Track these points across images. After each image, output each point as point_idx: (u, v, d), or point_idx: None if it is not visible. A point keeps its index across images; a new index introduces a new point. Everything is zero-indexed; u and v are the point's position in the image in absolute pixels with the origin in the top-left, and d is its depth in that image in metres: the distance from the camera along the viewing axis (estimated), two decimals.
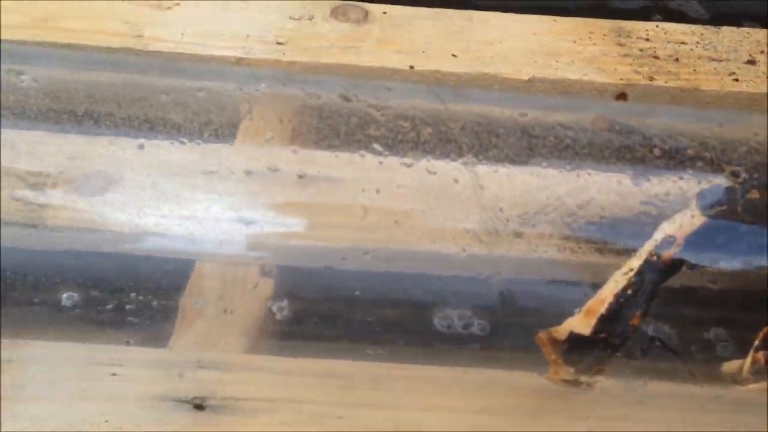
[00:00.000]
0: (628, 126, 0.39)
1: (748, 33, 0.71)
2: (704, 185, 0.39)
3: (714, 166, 0.39)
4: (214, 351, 0.45)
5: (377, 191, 0.35)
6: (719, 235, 0.40)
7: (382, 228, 0.37)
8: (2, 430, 0.41)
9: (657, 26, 0.72)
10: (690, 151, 0.39)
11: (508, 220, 0.35)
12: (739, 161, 0.39)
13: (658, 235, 0.39)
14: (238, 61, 0.67)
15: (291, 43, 0.69)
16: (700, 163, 0.39)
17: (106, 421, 0.42)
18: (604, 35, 0.71)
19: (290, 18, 0.71)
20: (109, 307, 0.46)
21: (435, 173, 0.34)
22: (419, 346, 0.40)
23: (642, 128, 0.39)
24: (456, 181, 0.34)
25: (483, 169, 0.35)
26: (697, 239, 0.39)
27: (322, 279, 0.42)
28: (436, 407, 0.42)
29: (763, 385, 0.39)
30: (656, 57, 0.68)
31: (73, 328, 0.45)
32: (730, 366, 0.41)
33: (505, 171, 0.36)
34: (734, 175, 0.38)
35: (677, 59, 0.68)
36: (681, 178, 0.38)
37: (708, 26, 0.72)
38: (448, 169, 0.35)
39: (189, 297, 0.48)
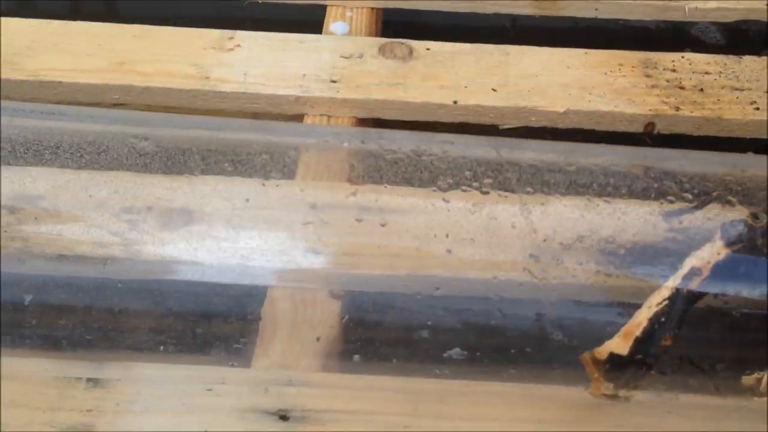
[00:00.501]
0: (661, 172, 0.44)
1: None
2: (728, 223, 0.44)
3: (737, 207, 0.44)
4: (293, 369, 0.51)
5: (446, 236, 0.41)
6: (741, 267, 0.45)
7: (448, 262, 0.43)
8: None
9: (683, 57, 0.77)
10: (715, 194, 0.44)
11: (557, 258, 0.41)
12: (759, 203, 0.44)
13: (686, 268, 0.45)
14: (297, 99, 0.74)
15: (344, 81, 0.75)
16: (725, 205, 0.44)
17: (205, 430, 0.49)
18: (633, 67, 0.76)
19: (341, 56, 0.77)
20: (199, 331, 0.53)
21: (496, 219, 0.40)
22: (479, 364, 0.46)
23: (674, 173, 0.45)
24: (513, 226, 0.40)
25: (536, 214, 0.41)
26: (721, 271, 0.45)
27: (390, 304, 0.48)
28: (493, 418, 0.47)
29: None
30: (682, 87, 0.73)
31: (171, 350, 0.52)
32: (747, 380, 0.47)
33: (555, 215, 0.42)
34: (755, 217, 0.43)
35: (702, 89, 0.73)
36: (708, 219, 0.44)
37: (731, 56, 0.77)
38: (506, 215, 0.41)
39: (266, 322, 0.54)
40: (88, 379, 0.51)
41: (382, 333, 0.48)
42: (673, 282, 0.45)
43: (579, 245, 0.42)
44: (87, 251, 0.53)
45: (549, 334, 0.43)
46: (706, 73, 0.75)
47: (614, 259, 0.43)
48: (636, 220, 0.43)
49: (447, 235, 0.40)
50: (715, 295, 0.44)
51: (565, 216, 0.42)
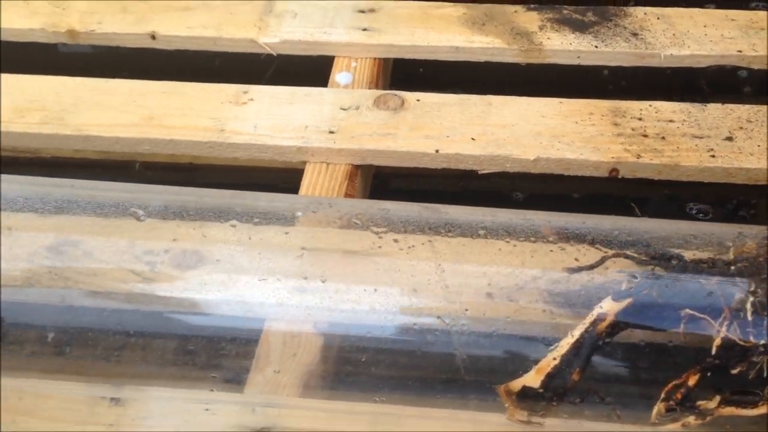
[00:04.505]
0: (567, 232, 0.53)
1: (731, 109, 0.82)
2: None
3: (634, 263, 0.53)
4: (277, 394, 0.62)
5: (375, 291, 0.51)
6: (646, 311, 0.53)
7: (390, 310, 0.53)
8: None
9: (650, 105, 0.83)
10: (612, 253, 0.52)
11: (467, 310, 0.50)
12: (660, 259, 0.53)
13: (595, 312, 0.53)
14: (299, 149, 0.83)
15: (341, 132, 0.84)
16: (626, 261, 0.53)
17: None
18: (603, 115, 0.83)
19: (341, 108, 0.87)
20: (202, 358, 0.64)
21: (415, 276, 0.50)
22: (417, 394, 0.55)
23: (582, 234, 0.53)
24: (429, 282, 0.50)
25: (448, 272, 0.51)
26: (625, 316, 0.53)
27: (356, 341, 0.58)
28: None
29: (676, 425, 0.53)
30: (645, 135, 0.80)
31: (179, 375, 0.63)
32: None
33: (464, 273, 0.51)
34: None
35: (664, 137, 0.80)
36: (606, 269, 0.52)
37: (696, 104, 0.83)
38: (425, 272, 0.51)
39: (260, 352, 0.64)
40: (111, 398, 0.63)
41: (348, 365, 0.58)
42: (582, 324, 0.53)
43: (488, 295, 0.51)
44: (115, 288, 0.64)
45: (473, 366, 0.52)
46: (671, 121, 0.81)
47: (520, 304, 0.52)
48: (542, 273, 0.52)
49: (375, 291, 0.50)
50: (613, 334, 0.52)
51: (472, 271, 0.50)
